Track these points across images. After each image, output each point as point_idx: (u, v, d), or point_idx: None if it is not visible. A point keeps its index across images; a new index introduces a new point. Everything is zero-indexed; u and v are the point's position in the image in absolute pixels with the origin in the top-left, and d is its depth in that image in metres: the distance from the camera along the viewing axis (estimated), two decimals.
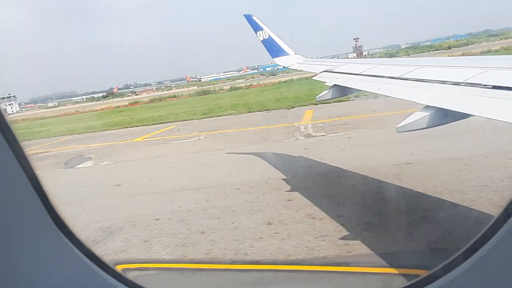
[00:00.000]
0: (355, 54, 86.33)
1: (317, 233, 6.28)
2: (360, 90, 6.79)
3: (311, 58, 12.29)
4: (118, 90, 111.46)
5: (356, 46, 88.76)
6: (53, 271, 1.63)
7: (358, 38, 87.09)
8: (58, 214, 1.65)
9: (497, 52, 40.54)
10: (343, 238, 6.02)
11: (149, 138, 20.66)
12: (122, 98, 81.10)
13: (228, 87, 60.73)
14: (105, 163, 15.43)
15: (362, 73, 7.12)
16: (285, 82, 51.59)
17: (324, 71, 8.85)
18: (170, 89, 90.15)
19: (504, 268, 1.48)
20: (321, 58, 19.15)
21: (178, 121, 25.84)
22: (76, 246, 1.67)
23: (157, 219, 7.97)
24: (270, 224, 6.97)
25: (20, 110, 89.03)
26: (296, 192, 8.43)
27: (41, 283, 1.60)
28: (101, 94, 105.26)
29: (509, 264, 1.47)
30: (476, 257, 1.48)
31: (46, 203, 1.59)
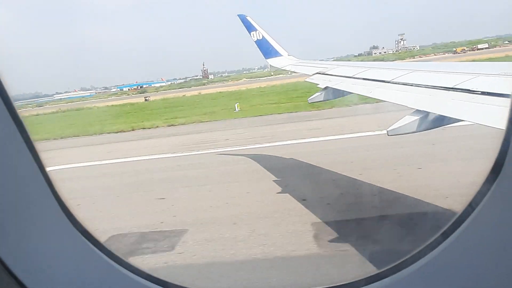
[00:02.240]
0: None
1: None
2: (352, 93, 6.81)
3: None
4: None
5: (203, 70, 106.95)
6: (61, 258, 1.75)
7: (204, 64, 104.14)
8: (67, 206, 1.76)
9: None
10: None
11: None
12: None
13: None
14: None
15: (354, 76, 7.14)
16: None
17: (317, 73, 8.85)
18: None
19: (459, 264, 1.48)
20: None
21: None
22: (85, 236, 1.76)
23: None
24: None
25: None
26: None
27: (47, 264, 1.73)
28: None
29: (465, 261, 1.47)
30: (434, 253, 1.48)
31: (56, 196, 1.72)
